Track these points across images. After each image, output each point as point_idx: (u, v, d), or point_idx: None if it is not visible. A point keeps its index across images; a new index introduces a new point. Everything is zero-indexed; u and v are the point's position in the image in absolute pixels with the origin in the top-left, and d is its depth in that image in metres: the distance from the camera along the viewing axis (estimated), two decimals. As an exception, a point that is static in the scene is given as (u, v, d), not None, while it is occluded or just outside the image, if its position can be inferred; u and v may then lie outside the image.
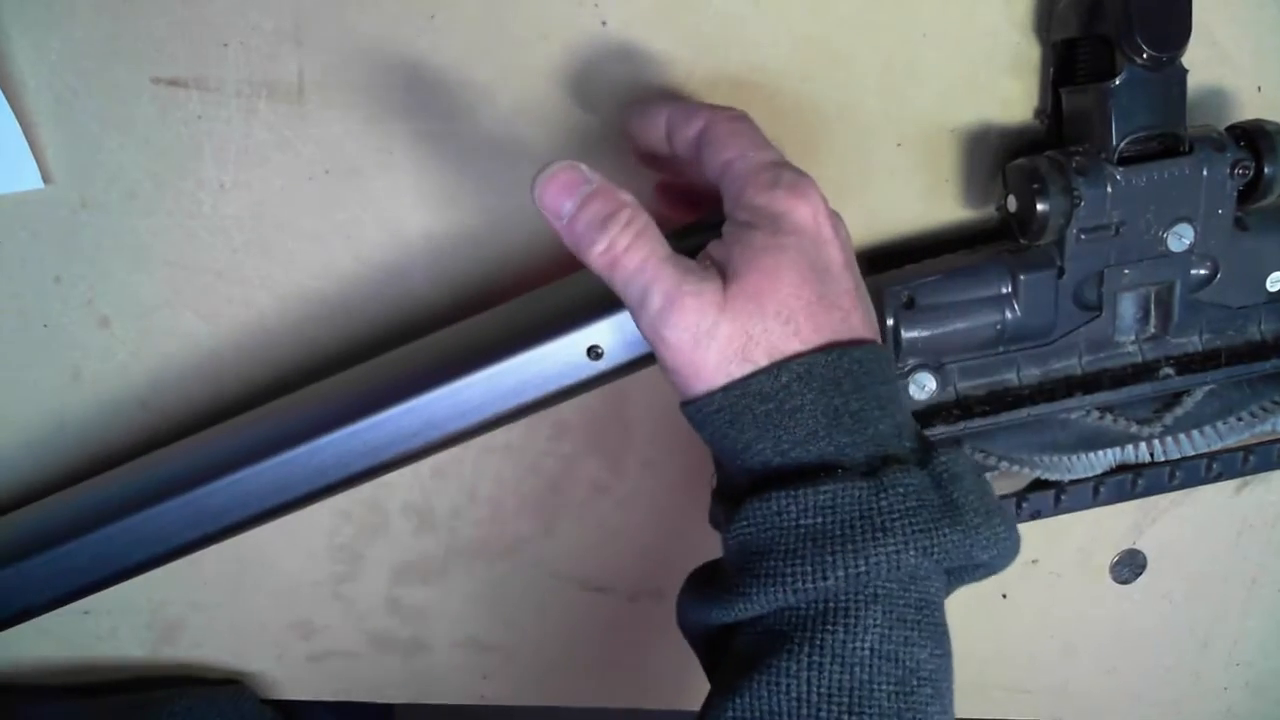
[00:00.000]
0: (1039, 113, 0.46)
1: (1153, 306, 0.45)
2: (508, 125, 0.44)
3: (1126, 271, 0.43)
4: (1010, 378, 0.45)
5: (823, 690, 0.32)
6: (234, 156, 0.43)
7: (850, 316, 0.36)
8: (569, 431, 0.50)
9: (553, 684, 0.56)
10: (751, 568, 0.34)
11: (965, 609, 0.56)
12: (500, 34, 0.42)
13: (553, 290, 0.41)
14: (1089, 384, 0.45)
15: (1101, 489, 0.49)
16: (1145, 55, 0.40)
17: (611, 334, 0.39)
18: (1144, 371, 0.45)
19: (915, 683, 0.33)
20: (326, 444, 0.41)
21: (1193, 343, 0.46)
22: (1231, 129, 0.43)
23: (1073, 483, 0.49)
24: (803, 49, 0.44)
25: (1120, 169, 0.41)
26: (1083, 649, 0.59)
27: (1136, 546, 0.56)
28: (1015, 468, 0.48)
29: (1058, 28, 0.44)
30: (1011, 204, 0.43)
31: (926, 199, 0.47)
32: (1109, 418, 0.48)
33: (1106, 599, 0.57)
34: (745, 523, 0.34)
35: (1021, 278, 0.43)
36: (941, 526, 0.33)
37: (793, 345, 0.34)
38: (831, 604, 0.33)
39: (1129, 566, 0.57)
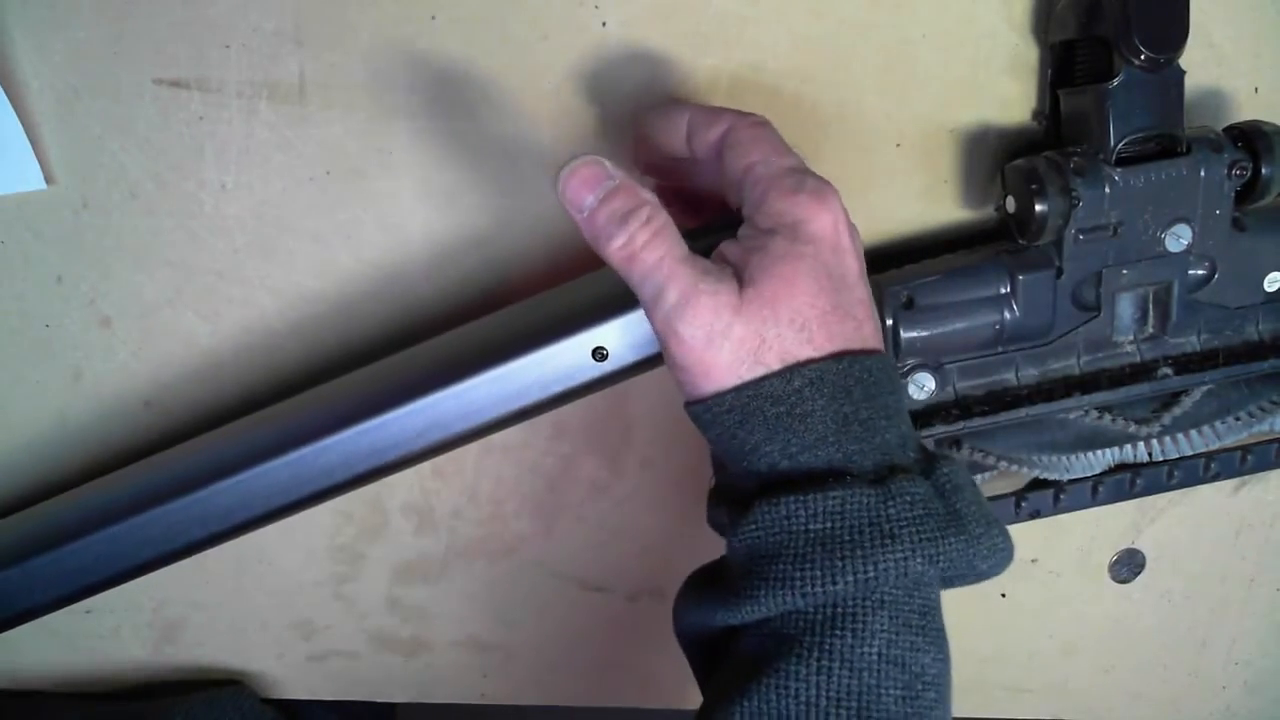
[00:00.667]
0: (1037, 114, 0.46)
1: (1151, 307, 0.45)
2: (508, 125, 0.44)
3: (1125, 272, 0.43)
4: (1009, 378, 0.45)
5: (831, 694, 0.32)
6: (235, 157, 0.43)
7: (863, 326, 0.36)
8: (569, 431, 0.50)
9: (553, 683, 0.56)
10: (759, 571, 0.34)
11: (965, 609, 0.57)
12: (500, 34, 0.43)
13: (558, 293, 0.41)
14: (1087, 384, 0.45)
15: (1100, 488, 0.49)
16: (1143, 56, 0.40)
17: (617, 336, 0.39)
18: (1142, 371, 0.45)
19: (920, 687, 0.33)
20: (332, 445, 0.41)
21: (1191, 343, 0.46)
22: (1229, 130, 0.43)
23: (1071, 482, 0.49)
24: (803, 49, 0.44)
25: (1118, 170, 0.41)
26: (1082, 648, 0.59)
27: (1135, 546, 0.56)
28: (1014, 467, 0.48)
29: (1056, 29, 0.44)
30: (1010, 204, 0.43)
31: (926, 199, 0.47)
32: (1107, 417, 0.48)
33: (1105, 598, 0.57)
34: (753, 526, 0.34)
35: (1020, 278, 0.43)
36: (947, 535, 0.33)
37: (805, 351, 0.34)
38: (840, 609, 0.33)
39: (1128, 566, 0.57)
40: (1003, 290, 0.44)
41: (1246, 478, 0.54)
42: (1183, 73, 0.41)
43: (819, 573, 0.33)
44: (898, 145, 0.46)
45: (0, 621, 0.45)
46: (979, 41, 0.45)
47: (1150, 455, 0.49)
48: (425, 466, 0.50)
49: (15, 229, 0.44)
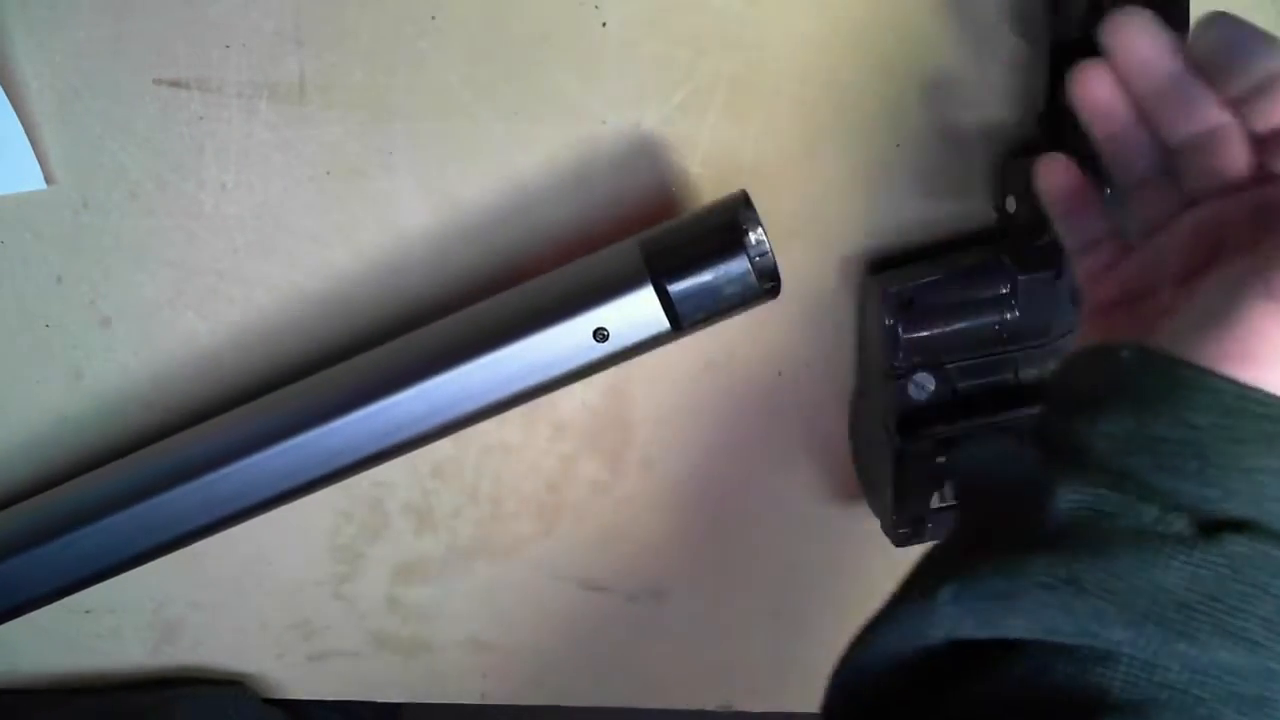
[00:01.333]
0: (1038, 114, 0.46)
1: (1151, 306, 0.45)
2: (508, 126, 0.44)
3: (1125, 272, 0.43)
4: (1009, 378, 0.45)
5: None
6: (235, 157, 0.44)
7: None
8: (569, 431, 0.50)
9: (553, 683, 0.56)
10: (1208, 612, 0.24)
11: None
12: (501, 34, 0.43)
13: (559, 275, 0.42)
14: (1088, 384, 0.45)
15: (1100, 489, 0.49)
16: (1143, 56, 0.40)
17: (617, 316, 0.39)
18: (1143, 371, 0.45)
19: None
20: (335, 429, 0.41)
21: (1191, 343, 0.46)
22: (1230, 129, 0.43)
23: (1072, 482, 0.49)
24: (803, 49, 0.44)
25: (1119, 169, 0.41)
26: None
27: (1135, 546, 0.56)
28: (1014, 467, 0.48)
29: (1056, 29, 0.44)
30: (1010, 204, 0.43)
31: (926, 199, 0.47)
32: (1108, 417, 0.48)
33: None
34: (1219, 560, 0.25)
35: (1020, 278, 0.43)
36: None
37: None
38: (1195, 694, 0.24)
39: (1128, 566, 0.57)
40: (1003, 290, 0.44)
41: (1247, 478, 0.54)
42: (1183, 72, 0.41)
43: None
44: (898, 145, 0.46)
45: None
46: (979, 41, 0.45)
47: (1151, 455, 0.49)
48: (425, 466, 0.50)
49: (15, 229, 0.44)
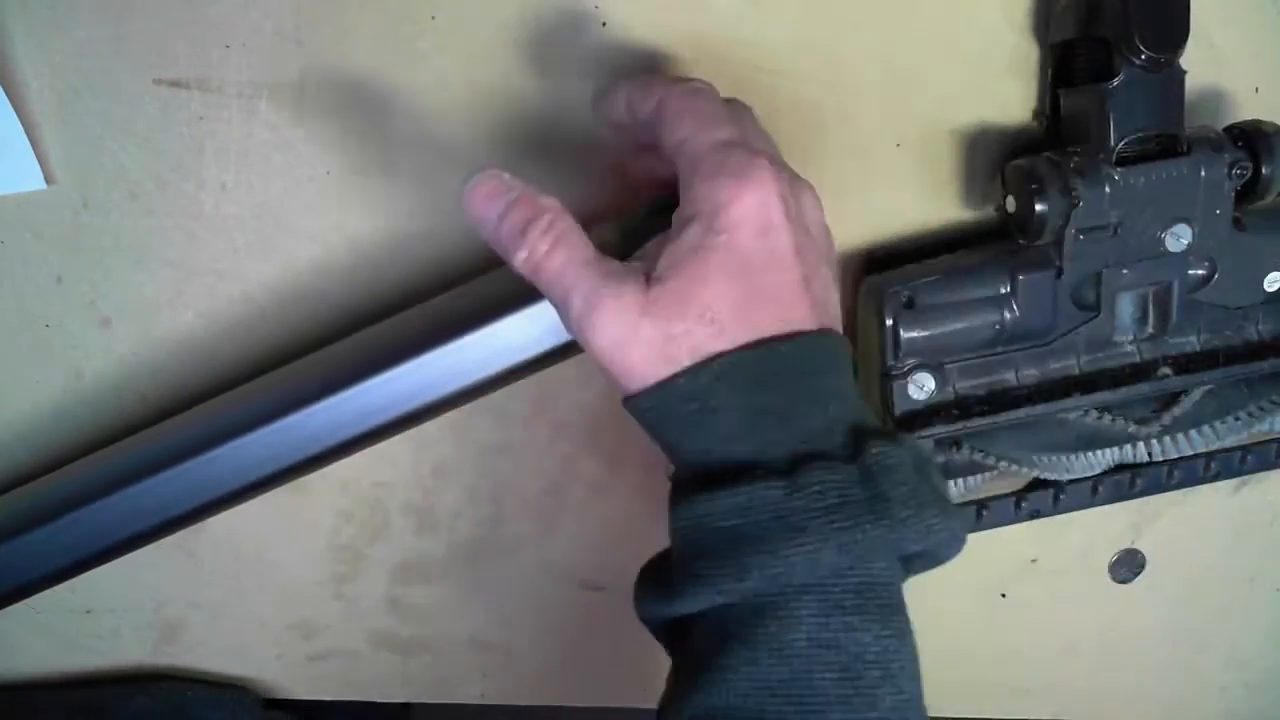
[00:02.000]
0: (1037, 113, 0.46)
1: (1151, 307, 0.45)
2: (508, 126, 0.44)
3: (1125, 272, 0.43)
4: (1009, 377, 0.45)
5: (764, 685, 0.32)
6: (235, 157, 0.43)
7: (793, 309, 0.35)
8: (569, 431, 0.50)
9: (552, 683, 0.56)
10: (685, 567, 0.34)
11: (965, 609, 0.57)
12: (500, 34, 0.43)
13: None
14: (1087, 384, 0.45)
15: (1100, 488, 0.49)
16: (1144, 56, 0.40)
17: None
18: (1142, 371, 0.45)
19: (860, 666, 0.32)
20: (323, 408, 0.41)
21: (1191, 343, 0.46)
22: (1229, 129, 0.43)
23: (1071, 482, 0.49)
24: (803, 49, 0.44)
25: (1119, 169, 0.41)
26: (1082, 648, 0.59)
27: (1135, 546, 0.56)
28: (1014, 467, 0.48)
29: (1056, 29, 0.44)
30: (1010, 204, 0.43)
31: (926, 199, 0.47)
32: (1107, 417, 0.48)
33: (1105, 598, 0.57)
34: (678, 522, 0.35)
35: (1020, 278, 0.43)
36: (864, 522, 0.32)
37: (717, 345, 0.34)
38: (762, 599, 0.33)
39: (1128, 566, 0.57)
40: (1003, 290, 0.44)
41: (1246, 478, 0.54)
42: (1183, 72, 0.41)
43: (728, 570, 0.33)
44: (898, 145, 0.46)
45: None
46: (979, 41, 0.45)
47: (1150, 455, 0.49)
48: (425, 466, 0.50)
49: (15, 229, 0.44)
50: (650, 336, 0.34)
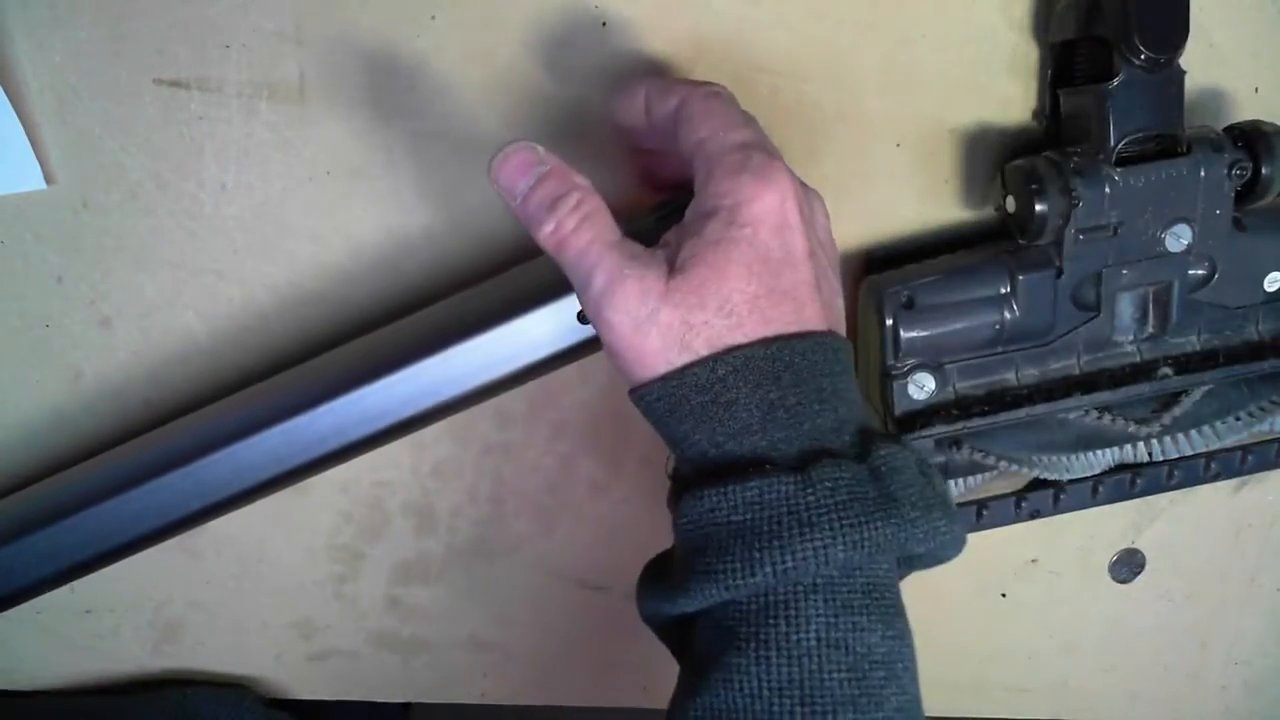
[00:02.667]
0: (1037, 114, 0.46)
1: (1151, 307, 0.45)
2: (508, 126, 0.44)
3: (1125, 272, 0.43)
4: (1009, 377, 0.45)
5: (773, 684, 0.32)
6: (235, 157, 0.43)
7: (805, 308, 0.35)
8: (569, 431, 0.50)
9: (552, 683, 0.56)
10: (691, 563, 0.34)
11: (965, 609, 0.57)
12: (500, 34, 0.43)
13: (544, 260, 0.42)
14: (1087, 384, 0.45)
15: (1100, 488, 0.49)
16: (1143, 56, 0.40)
17: None
18: (1142, 371, 0.45)
19: (867, 667, 0.33)
20: (326, 412, 0.41)
21: (1191, 343, 0.46)
22: (1229, 130, 0.43)
23: (1071, 482, 0.49)
24: (803, 49, 0.44)
25: (1118, 170, 0.41)
26: (1082, 648, 0.59)
27: (1135, 546, 0.57)
28: (1014, 467, 0.48)
29: (1056, 29, 0.44)
30: (1010, 204, 0.43)
31: (926, 199, 0.47)
32: (1107, 417, 0.48)
33: (1105, 598, 0.57)
34: (685, 518, 0.34)
35: (1020, 278, 0.43)
36: (874, 520, 0.33)
37: (734, 337, 0.34)
38: (771, 597, 0.33)
39: (1128, 566, 0.57)
40: (1003, 290, 0.44)
41: (1246, 478, 0.54)
42: (1183, 73, 0.41)
43: (738, 565, 0.33)
44: (898, 145, 0.46)
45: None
46: (979, 41, 0.45)
47: (1150, 455, 0.49)
48: (425, 466, 0.50)
49: (15, 229, 0.44)
50: (669, 322, 0.34)
